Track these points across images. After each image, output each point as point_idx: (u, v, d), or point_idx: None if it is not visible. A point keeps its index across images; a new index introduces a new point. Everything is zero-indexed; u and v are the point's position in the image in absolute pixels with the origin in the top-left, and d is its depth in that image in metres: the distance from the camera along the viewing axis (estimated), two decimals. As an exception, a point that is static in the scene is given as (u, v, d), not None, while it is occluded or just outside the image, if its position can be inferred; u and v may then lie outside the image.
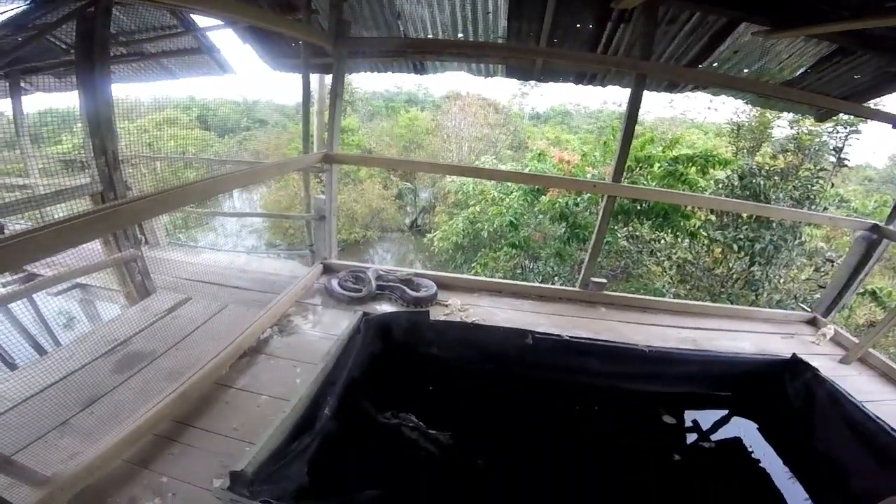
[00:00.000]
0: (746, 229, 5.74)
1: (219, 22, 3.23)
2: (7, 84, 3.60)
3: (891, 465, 1.93)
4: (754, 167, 6.04)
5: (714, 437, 2.49)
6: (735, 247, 5.74)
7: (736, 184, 5.96)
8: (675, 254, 6.54)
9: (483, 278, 3.17)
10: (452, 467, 2.01)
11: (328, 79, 3.19)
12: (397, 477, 1.87)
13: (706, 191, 6.15)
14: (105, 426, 1.57)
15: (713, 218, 6.10)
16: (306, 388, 1.80)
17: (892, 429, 1.97)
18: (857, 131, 5.93)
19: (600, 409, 2.52)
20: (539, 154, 7.35)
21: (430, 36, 3.06)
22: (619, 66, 2.83)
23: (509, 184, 7.10)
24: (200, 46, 3.53)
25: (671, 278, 6.50)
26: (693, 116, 12.62)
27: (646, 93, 2.86)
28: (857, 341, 2.68)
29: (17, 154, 3.63)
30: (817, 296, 4.75)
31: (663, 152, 6.36)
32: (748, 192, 5.80)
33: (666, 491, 2.10)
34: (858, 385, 2.36)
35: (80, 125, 2.52)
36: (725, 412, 2.61)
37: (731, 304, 5.40)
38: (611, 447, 2.33)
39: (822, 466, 2.17)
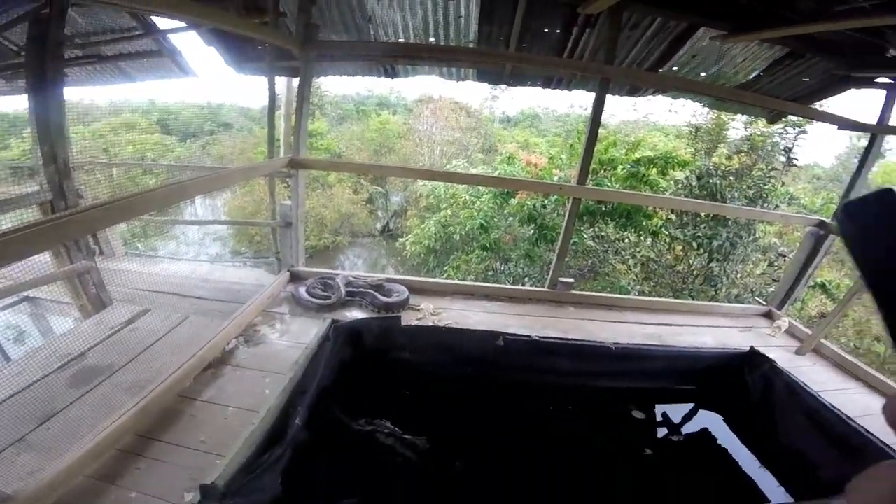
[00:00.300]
0: (705, 227, 6.01)
1: (181, 24, 3.13)
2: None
3: (849, 453, 1.99)
4: (711, 168, 6.34)
5: (683, 430, 2.56)
6: (694, 244, 6.01)
7: (694, 184, 6.24)
8: (638, 252, 6.77)
9: (455, 281, 3.19)
10: (429, 471, 2.00)
11: (296, 82, 3.16)
12: (374, 484, 1.86)
13: (667, 191, 6.40)
14: (65, 442, 1.51)
15: (674, 217, 6.37)
16: (275, 398, 1.76)
17: (848, 418, 2.05)
18: (804, 132, 6.31)
19: (573, 408, 2.57)
20: (508, 157, 7.47)
21: (401, 40, 3.06)
22: (584, 71, 2.92)
23: (480, 187, 7.18)
24: (161, 49, 3.41)
25: (636, 276, 6.73)
26: (655, 119, 13.13)
27: (610, 96, 2.95)
28: (810, 333, 2.83)
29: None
30: (772, 289, 5.01)
31: (626, 155, 6.59)
32: (706, 192, 6.08)
33: (639, 485, 2.14)
34: (813, 375, 2.47)
35: (29, 130, 2.39)
36: (692, 406, 2.69)
37: (693, 299, 5.64)
38: (584, 444, 2.37)
39: (786, 455, 2.24)
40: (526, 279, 6.62)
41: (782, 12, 2.40)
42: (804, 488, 2.12)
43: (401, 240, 8.97)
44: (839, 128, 3.11)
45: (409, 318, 2.54)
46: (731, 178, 6.20)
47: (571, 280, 3.08)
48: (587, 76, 3.12)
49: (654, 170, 6.28)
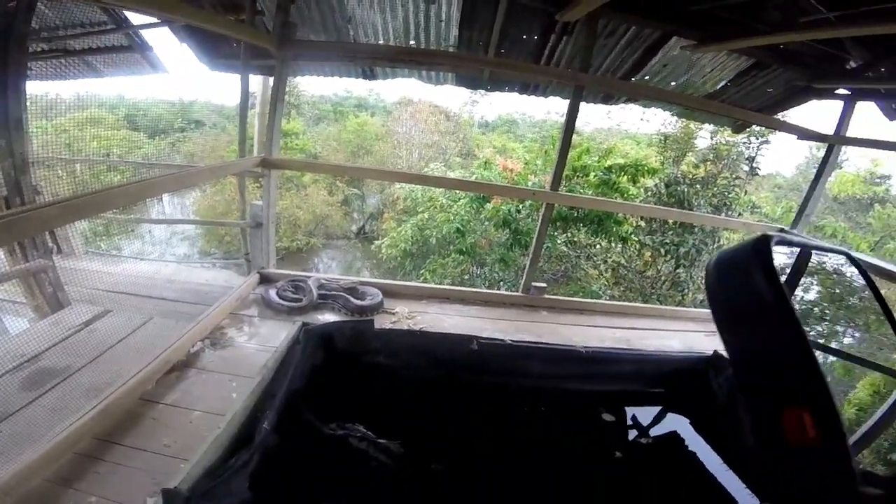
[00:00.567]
0: (672, 234, 6.23)
1: (154, 20, 3.04)
2: None
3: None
4: (679, 176, 6.57)
5: (652, 432, 2.60)
6: (662, 250, 6.21)
7: (663, 191, 6.46)
8: (609, 258, 6.95)
9: (430, 285, 3.20)
10: (404, 476, 1.99)
11: (273, 80, 3.11)
12: (348, 488, 1.84)
13: (637, 198, 6.59)
14: (18, 445, 1.44)
15: (643, 224, 6.56)
16: (243, 402, 1.73)
17: None
18: (767, 142, 6.61)
19: (545, 410, 2.60)
20: (485, 162, 7.54)
21: (381, 42, 3.05)
22: (559, 78, 2.98)
23: (457, 191, 7.22)
24: (132, 44, 3.30)
25: (607, 281, 6.89)
26: (627, 127, 13.48)
27: (584, 104, 3.01)
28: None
29: None
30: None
31: (598, 162, 6.75)
32: (674, 200, 6.30)
33: (610, 487, 2.19)
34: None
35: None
36: (660, 408, 2.73)
37: (661, 304, 5.82)
38: (557, 446, 2.40)
39: (750, 457, 2.26)
40: (501, 283, 6.68)
41: (751, 23, 2.50)
42: (768, 490, 2.14)
43: (377, 242, 8.91)
44: (799, 138, 3.25)
45: (383, 322, 2.53)
46: (698, 186, 6.44)
47: (544, 285, 3.13)
48: (563, 83, 3.19)
49: (625, 177, 6.45)
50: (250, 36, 2.68)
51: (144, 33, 3.27)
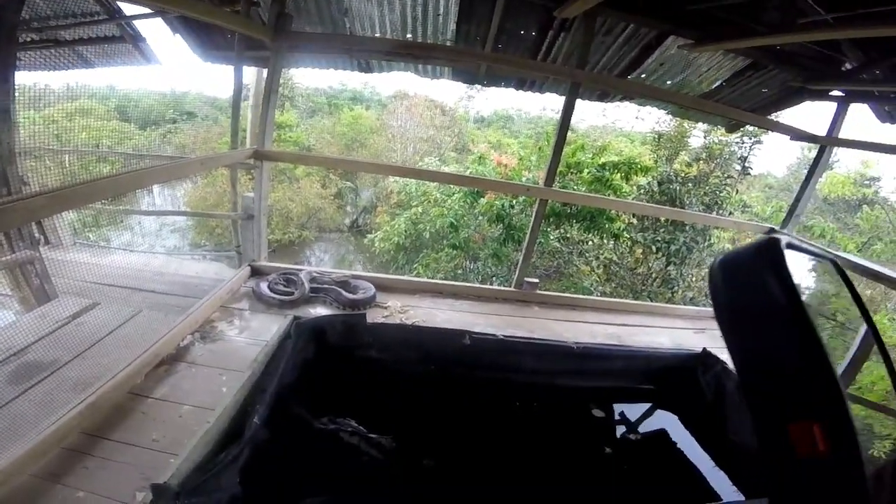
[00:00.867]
0: (664, 232, 6.27)
1: (147, 10, 2.98)
2: None
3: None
4: (671, 174, 6.60)
5: (641, 429, 2.62)
6: (653, 248, 6.25)
7: (655, 189, 6.49)
8: (601, 254, 6.99)
9: (423, 279, 3.20)
10: (396, 470, 2.00)
11: (267, 72, 3.07)
12: (339, 483, 1.84)
13: (629, 196, 6.62)
14: (4, 440, 1.43)
15: (635, 221, 6.60)
16: (233, 396, 1.72)
17: None
18: (759, 142, 6.66)
19: (536, 406, 2.61)
20: (480, 157, 7.52)
21: (377, 35, 3.02)
22: (555, 74, 2.97)
23: (451, 185, 7.21)
24: (124, 35, 3.25)
25: (598, 277, 6.93)
26: (622, 125, 13.51)
27: (582, 102, 3.01)
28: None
29: None
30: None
31: (592, 159, 6.76)
32: (666, 198, 6.34)
33: (600, 483, 2.21)
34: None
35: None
36: (649, 405, 2.76)
37: (651, 301, 5.87)
38: (547, 442, 2.41)
39: (740, 456, 2.29)
40: (494, 278, 6.70)
41: (748, 24, 2.51)
42: (754, 488, 2.16)
43: (370, 236, 8.86)
44: (791, 138, 3.28)
45: (375, 316, 2.53)
46: (690, 184, 6.48)
47: (537, 280, 3.14)
48: (559, 79, 3.18)
49: (619, 175, 6.48)
50: (245, 27, 2.64)
51: (137, 24, 3.22)
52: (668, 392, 2.77)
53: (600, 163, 6.61)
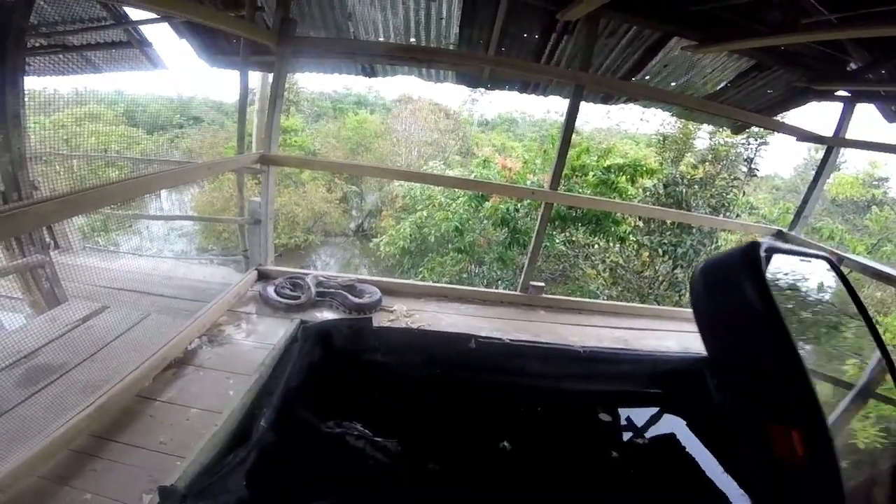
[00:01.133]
0: (670, 235, 6.23)
1: (153, 15, 3.03)
2: None
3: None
4: (677, 176, 6.57)
5: (648, 433, 2.59)
6: (660, 251, 6.21)
7: (661, 192, 6.46)
8: (607, 258, 6.95)
9: (429, 283, 3.20)
10: (402, 474, 1.99)
11: (272, 77, 3.10)
12: (344, 486, 1.83)
13: (635, 198, 6.59)
14: (12, 443, 1.44)
15: (641, 224, 6.56)
16: (240, 399, 1.72)
17: None
18: (766, 143, 6.62)
19: (542, 410, 2.60)
20: (484, 160, 7.53)
21: (381, 39, 3.04)
22: (559, 77, 2.97)
23: (456, 189, 7.22)
24: (131, 40, 3.30)
25: (604, 281, 6.90)
26: (627, 127, 13.48)
27: (584, 104, 3.00)
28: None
29: None
30: (731, 296, 5.22)
31: (597, 161, 6.75)
32: (672, 200, 6.30)
33: (607, 487, 2.17)
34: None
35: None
36: (657, 409, 2.72)
37: (658, 304, 5.83)
38: (553, 446, 2.39)
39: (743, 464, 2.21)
40: (499, 282, 6.69)
41: (752, 24, 2.50)
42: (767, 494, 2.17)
43: (375, 240, 8.88)
44: (798, 139, 3.26)
45: (381, 320, 2.53)
46: (696, 186, 6.45)
47: (542, 284, 3.13)
48: (563, 82, 3.18)
49: (624, 177, 6.46)
50: (250, 32, 2.67)
51: (144, 29, 3.27)
52: (676, 396, 2.73)
53: (605, 165, 6.59)
